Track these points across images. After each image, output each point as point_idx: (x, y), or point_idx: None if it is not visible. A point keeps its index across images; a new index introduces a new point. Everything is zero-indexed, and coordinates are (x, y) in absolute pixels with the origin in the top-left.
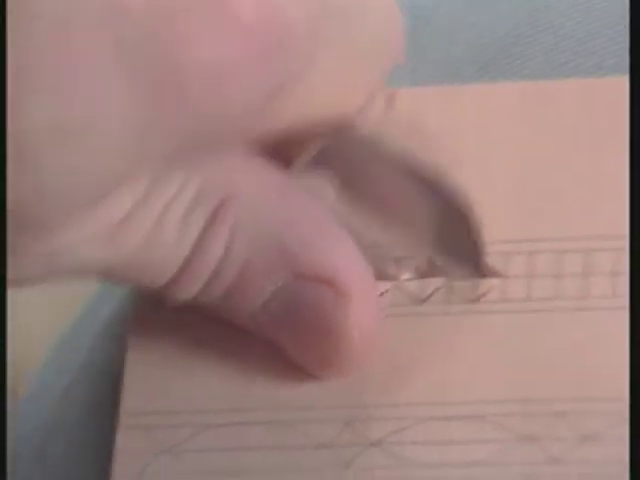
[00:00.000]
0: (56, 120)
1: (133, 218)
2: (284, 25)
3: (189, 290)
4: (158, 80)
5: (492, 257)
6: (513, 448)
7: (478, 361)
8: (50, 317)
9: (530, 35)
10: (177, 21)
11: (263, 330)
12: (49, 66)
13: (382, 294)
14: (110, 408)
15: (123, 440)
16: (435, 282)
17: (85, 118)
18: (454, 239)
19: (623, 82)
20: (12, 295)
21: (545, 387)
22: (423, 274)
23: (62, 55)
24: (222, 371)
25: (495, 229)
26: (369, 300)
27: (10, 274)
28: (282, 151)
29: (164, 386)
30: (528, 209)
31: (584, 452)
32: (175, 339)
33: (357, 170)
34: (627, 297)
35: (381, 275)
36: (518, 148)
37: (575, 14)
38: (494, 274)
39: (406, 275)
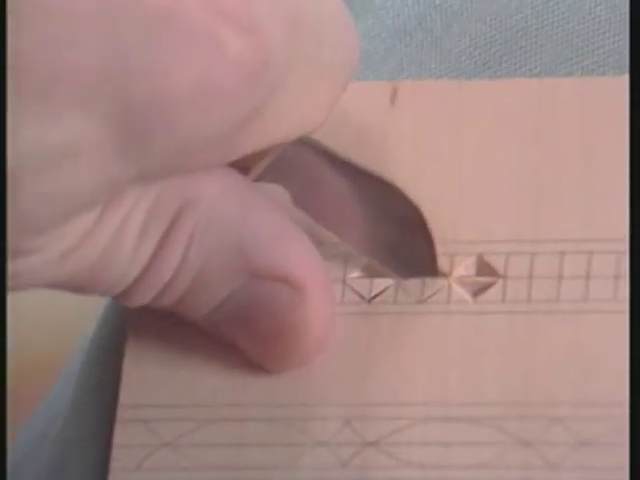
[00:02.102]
0: (39, 144)
1: (91, 236)
2: (268, 49)
3: (143, 298)
4: (137, 107)
5: (491, 257)
6: (510, 452)
7: (477, 363)
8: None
9: (536, 29)
10: (161, 48)
11: (219, 329)
12: (36, 89)
13: (379, 294)
14: (108, 396)
15: (121, 434)
16: (439, 283)
17: (67, 142)
18: (407, 250)
19: (623, 82)
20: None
21: (543, 391)
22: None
23: (50, 76)
24: (223, 366)
25: (496, 228)
26: (324, 295)
27: None
28: (236, 161)
29: (164, 380)
30: (528, 209)
31: (581, 458)
32: (175, 333)
33: (310, 179)
34: (627, 301)
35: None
36: (520, 146)
37: (581, 11)
38: (493, 274)
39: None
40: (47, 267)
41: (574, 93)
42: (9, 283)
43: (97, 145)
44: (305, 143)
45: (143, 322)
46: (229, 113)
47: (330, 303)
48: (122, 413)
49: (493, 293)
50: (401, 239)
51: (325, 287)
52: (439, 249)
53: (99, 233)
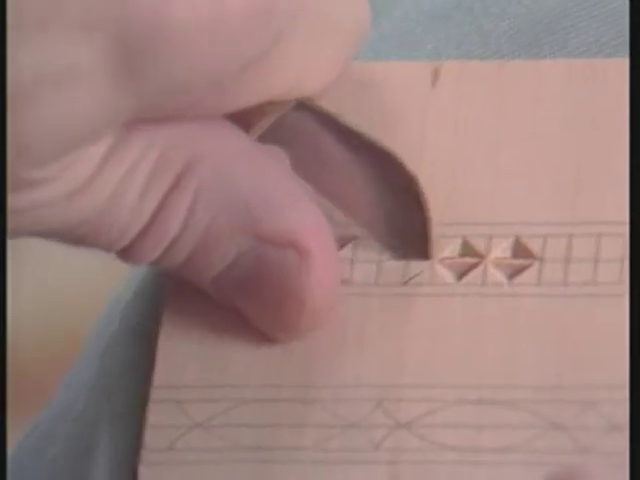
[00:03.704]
0: (39, 69)
1: (93, 182)
2: None
3: (149, 254)
4: (140, 30)
5: (528, 239)
6: (543, 436)
7: (511, 345)
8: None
9: (578, 10)
10: None
11: (225, 294)
12: (31, 18)
13: (415, 275)
14: (142, 371)
15: (154, 414)
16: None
17: (67, 66)
18: (403, 220)
19: None
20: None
21: (576, 374)
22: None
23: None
24: (256, 346)
25: (534, 210)
26: (330, 261)
27: None
28: (238, 119)
29: (197, 360)
30: (567, 192)
31: (613, 442)
32: (210, 311)
33: (310, 144)
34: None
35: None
36: (561, 128)
37: None
38: (530, 256)
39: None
40: (52, 206)
41: (618, 74)
42: (12, 222)
43: (96, 70)
44: (308, 108)
45: (178, 304)
46: (233, 50)
47: (334, 271)
48: (155, 394)
49: (529, 276)
50: (397, 210)
51: (330, 255)
52: (475, 230)
53: (104, 178)
